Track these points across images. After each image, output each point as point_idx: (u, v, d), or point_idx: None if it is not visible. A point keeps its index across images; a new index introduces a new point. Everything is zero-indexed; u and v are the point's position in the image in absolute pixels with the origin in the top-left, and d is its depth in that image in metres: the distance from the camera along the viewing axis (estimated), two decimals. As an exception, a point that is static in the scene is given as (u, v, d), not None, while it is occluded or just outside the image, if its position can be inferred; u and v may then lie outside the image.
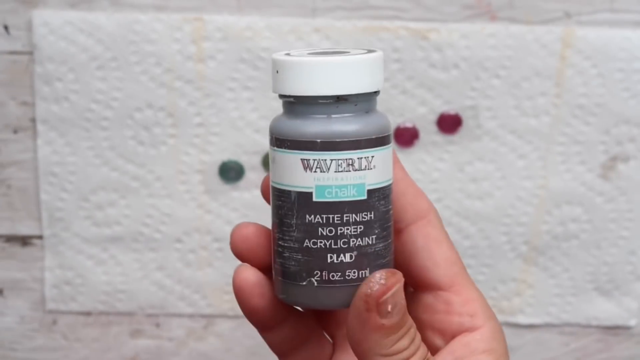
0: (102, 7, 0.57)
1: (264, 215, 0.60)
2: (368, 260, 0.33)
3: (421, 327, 0.35)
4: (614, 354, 0.63)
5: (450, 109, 0.58)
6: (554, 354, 0.63)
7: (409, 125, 0.58)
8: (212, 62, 0.58)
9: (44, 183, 0.60)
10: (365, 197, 0.33)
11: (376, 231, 0.33)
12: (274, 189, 0.34)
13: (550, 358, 0.63)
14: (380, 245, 0.34)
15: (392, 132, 0.34)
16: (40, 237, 0.61)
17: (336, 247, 0.33)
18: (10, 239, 0.61)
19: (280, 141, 0.33)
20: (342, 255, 0.33)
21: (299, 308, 0.37)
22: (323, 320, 0.39)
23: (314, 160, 0.33)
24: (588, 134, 0.59)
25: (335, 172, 0.33)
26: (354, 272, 0.33)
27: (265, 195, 0.36)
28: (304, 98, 0.33)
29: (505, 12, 0.57)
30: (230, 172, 0.59)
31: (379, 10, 0.57)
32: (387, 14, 0.57)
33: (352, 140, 0.33)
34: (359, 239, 0.33)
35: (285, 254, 0.34)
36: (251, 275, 0.35)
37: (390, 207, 0.34)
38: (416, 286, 0.36)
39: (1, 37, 0.58)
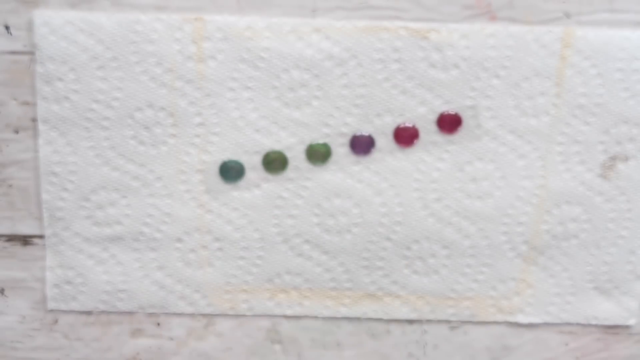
0: (102, 7, 0.57)
1: (264, 215, 0.60)
2: None
3: None
4: (613, 353, 0.63)
5: (450, 109, 0.58)
6: (554, 354, 0.63)
7: (409, 125, 0.58)
8: (212, 62, 0.58)
9: (44, 183, 0.60)
10: None
11: None
12: None
13: (550, 357, 0.63)
14: None
15: None
16: (41, 236, 0.61)
17: None
18: (11, 238, 0.61)
19: None
20: None
21: None
22: None
23: None
24: (588, 134, 0.59)
25: None
26: None
27: None
28: None
29: (505, 12, 0.57)
30: (231, 171, 0.59)
31: (379, 10, 0.57)
32: (387, 14, 0.57)
33: None
34: None
35: None
36: None
37: None
38: None
39: (2, 37, 0.58)
